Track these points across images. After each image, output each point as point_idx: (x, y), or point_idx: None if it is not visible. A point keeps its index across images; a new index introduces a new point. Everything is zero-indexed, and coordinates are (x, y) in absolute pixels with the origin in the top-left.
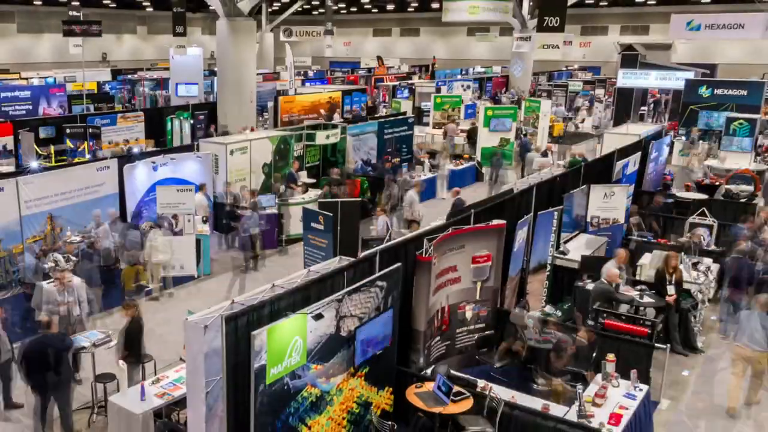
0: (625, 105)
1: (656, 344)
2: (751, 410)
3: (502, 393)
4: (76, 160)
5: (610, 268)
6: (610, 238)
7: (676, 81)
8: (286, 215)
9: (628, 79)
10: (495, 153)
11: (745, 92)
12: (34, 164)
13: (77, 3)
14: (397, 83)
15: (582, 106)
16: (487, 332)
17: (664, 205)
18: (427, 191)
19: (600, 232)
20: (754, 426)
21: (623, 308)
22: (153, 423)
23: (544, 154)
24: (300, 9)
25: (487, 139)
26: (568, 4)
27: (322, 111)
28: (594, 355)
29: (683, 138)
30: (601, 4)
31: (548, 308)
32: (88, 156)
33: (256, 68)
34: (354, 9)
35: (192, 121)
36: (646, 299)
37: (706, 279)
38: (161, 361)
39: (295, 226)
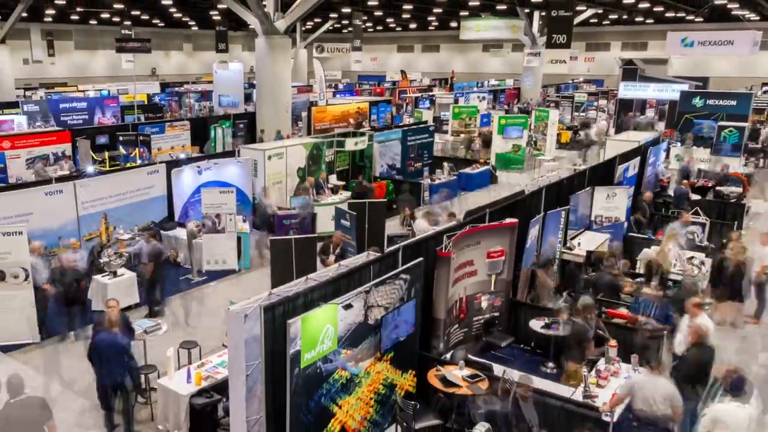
0: (626, 115)
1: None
2: None
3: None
4: (127, 165)
5: None
6: (612, 235)
7: (672, 92)
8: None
9: (629, 90)
10: None
11: (734, 102)
12: (90, 169)
13: (129, 23)
14: (419, 95)
15: (597, 118)
16: (489, 316)
17: (660, 205)
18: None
19: (603, 230)
20: None
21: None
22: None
23: None
24: (331, 27)
25: (500, 146)
26: (574, 23)
27: (351, 120)
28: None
29: (678, 144)
30: (603, 22)
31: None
32: (139, 161)
33: (291, 81)
34: (380, 27)
35: (233, 129)
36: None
37: (699, 272)
38: (205, 347)
39: (326, 224)
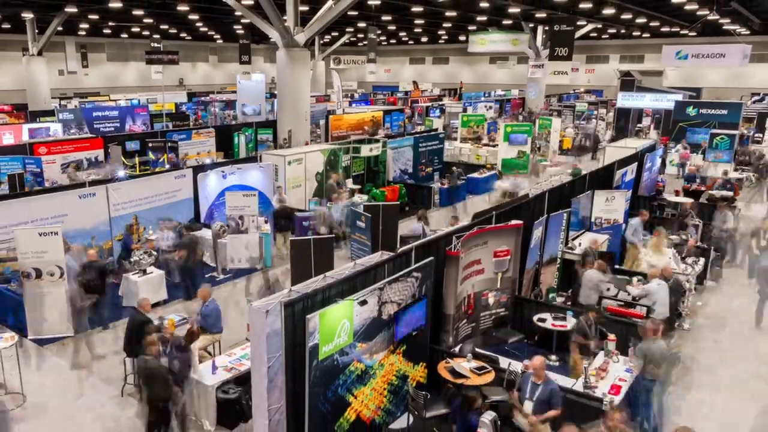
0: (624, 123)
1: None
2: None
3: (516, 367)
4: (157, 169)
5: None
6: (611, 235)
7: (667, 102)
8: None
9: (627, 100)
10: None
11: (725, 112)
12: (121, 173)
13: (158, 36)
14: (430, 104)
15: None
16: (502, 313)
17: (657, 207)
18: (458, 195)
19: (602, 231)
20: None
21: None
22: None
23: None
24: (347, 41)
25: (506, 152)
26: (575, 37)
27: (366, 128)
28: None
29: (673, 150)
30: (603, 36)
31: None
32: (167, 166)
33: (309, 91)
34: (393, 41)
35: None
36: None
37: (693, 270)
38: (229, 340)
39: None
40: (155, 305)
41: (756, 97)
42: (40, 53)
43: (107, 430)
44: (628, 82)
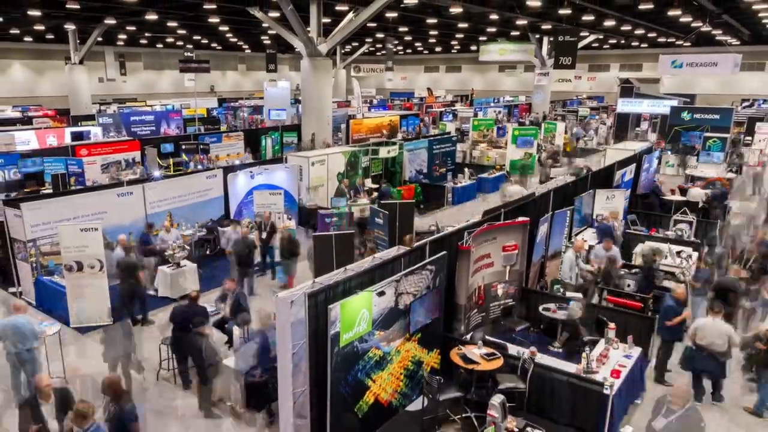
0: (623, 126)
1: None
2: None
3: (523, 352)
4: (189, 170)
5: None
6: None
7: (663, 107)
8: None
9: (626, 106)
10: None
11: (718, 116)
12: (156, 173)
13: (191, 46)
14: (443, 109)
15: (596, 127)
16: (510, 304)
17: (653, 205)
18: (470, 193)
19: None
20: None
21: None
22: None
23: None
24: (367, 50)
25: (514, 153)
26: (578, 47)
27: (384, 131)
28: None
29: (668, 152)
30: (604, 47)
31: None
32: (199, 167)
33: (331, 97)
34: (409, 50)
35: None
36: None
37: (687, 264)
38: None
39: None
40: (184, 297)
41: (746, 103)
42: (81, 62)
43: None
44: (627, 89)
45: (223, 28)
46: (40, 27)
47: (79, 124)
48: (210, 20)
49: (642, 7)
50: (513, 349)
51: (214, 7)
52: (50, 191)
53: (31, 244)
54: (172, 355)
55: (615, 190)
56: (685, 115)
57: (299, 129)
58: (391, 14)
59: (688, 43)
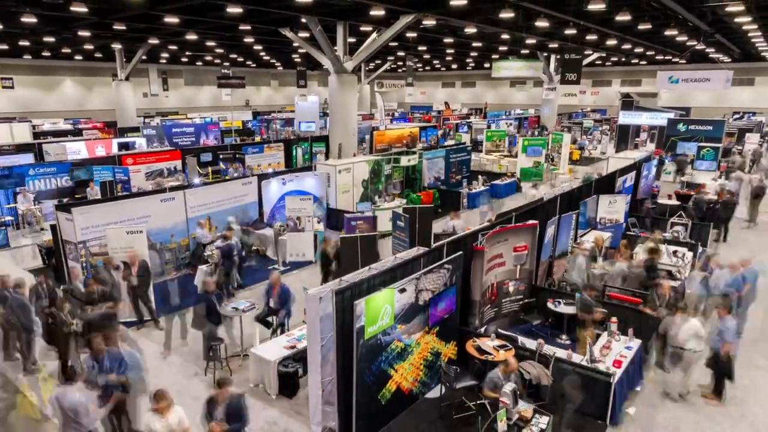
0: (624, 137)
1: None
2: None
3: (531, 344)
4: (226, 177)
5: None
6: (613, 233)
7: (661, 119)
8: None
9: (627, 118)
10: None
11: (711, 128)
12: (196, 180)
13: (228, 64)
14: (459, 121)
15: (599, 138)
16: (527, 301)
17: (651, 209)
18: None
19: (606, 229)
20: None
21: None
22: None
23: None
24: (389, 68)
25: (524, 162)
26: (583, 64)
27: (405, 141)
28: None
29: (666, 160)
30: (606, 64)
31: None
32: (235, 175)
33: (357, 110)
34: (428, 68)
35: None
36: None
37: (682, 262)
38: (288, 322)
39: (385, 224)
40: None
41: (737, 116)
42: (127, 78)
43: (185, 404)
44: (627, 103)
45: (258, 47)
46: (89, 46)
47: (125, 135)
48: (245, 40)
49: (641, 27)
50: (522, 342)
51: (249, 28)
52: (98, 197)
53: (81, 246)
54: None
55: (617, 196)
56: (681, 127)
57: (327, 140)
58: (411, 34)
59: (684, 60)
